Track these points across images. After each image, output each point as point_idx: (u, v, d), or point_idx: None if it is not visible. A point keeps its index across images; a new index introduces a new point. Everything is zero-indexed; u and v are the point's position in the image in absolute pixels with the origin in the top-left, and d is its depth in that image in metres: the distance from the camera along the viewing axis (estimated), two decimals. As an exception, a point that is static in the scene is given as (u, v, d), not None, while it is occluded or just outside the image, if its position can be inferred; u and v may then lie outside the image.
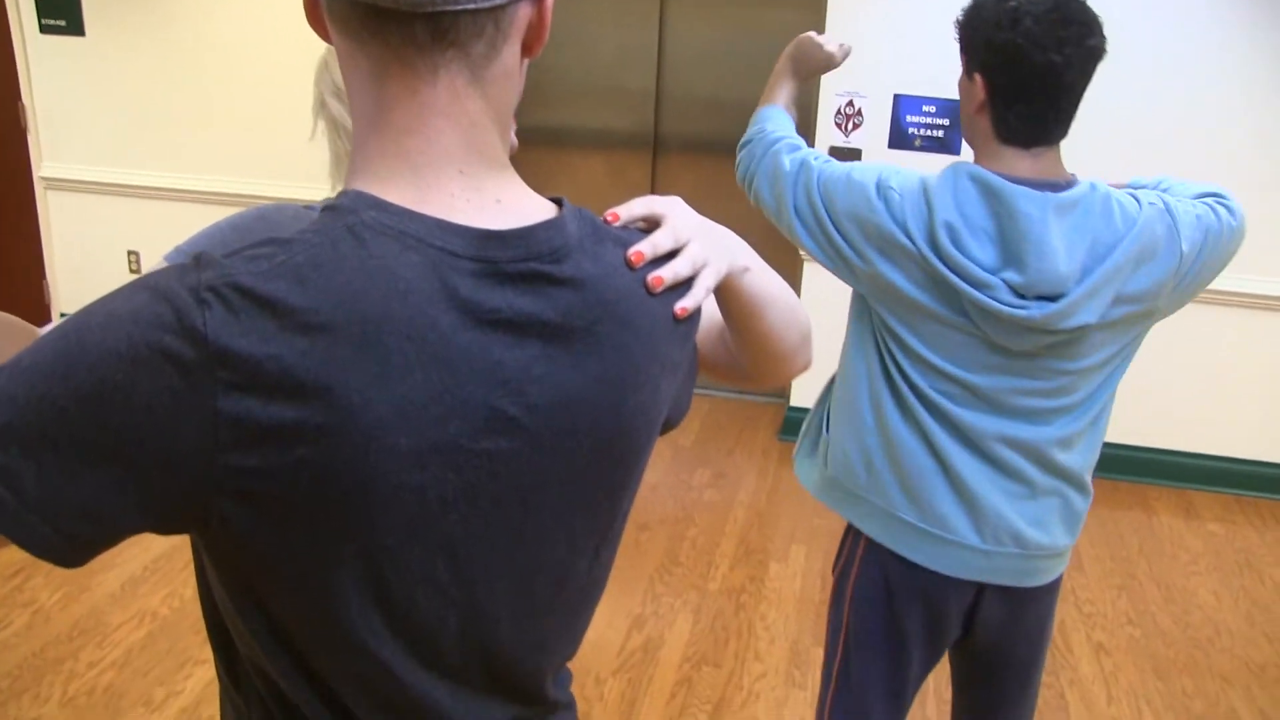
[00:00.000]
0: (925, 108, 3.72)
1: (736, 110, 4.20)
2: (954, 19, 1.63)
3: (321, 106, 1.19)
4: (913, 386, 1.67)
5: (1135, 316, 1.61)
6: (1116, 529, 3.83)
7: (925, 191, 1.59)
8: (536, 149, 4.51)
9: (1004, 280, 1.53)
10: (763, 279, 0.97)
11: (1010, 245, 1.53)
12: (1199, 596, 3.41)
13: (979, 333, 1.59)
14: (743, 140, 1.85)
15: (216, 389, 0.64)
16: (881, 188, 1.62)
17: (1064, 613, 3.28)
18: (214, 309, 0.64)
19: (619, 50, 4.32)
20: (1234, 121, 3.81)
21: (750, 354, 1.04)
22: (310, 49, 4.15)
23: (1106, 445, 4.06)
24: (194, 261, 0.67)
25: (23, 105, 4.70)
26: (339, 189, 1.20)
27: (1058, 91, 1.52)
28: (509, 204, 0.77)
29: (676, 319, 0.85)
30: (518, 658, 0.85)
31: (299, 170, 4.42)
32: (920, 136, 3.74)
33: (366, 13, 0.71)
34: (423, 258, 0.71)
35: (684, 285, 0.86)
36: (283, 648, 0.76)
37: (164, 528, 0.69)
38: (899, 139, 3.74)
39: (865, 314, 1.73)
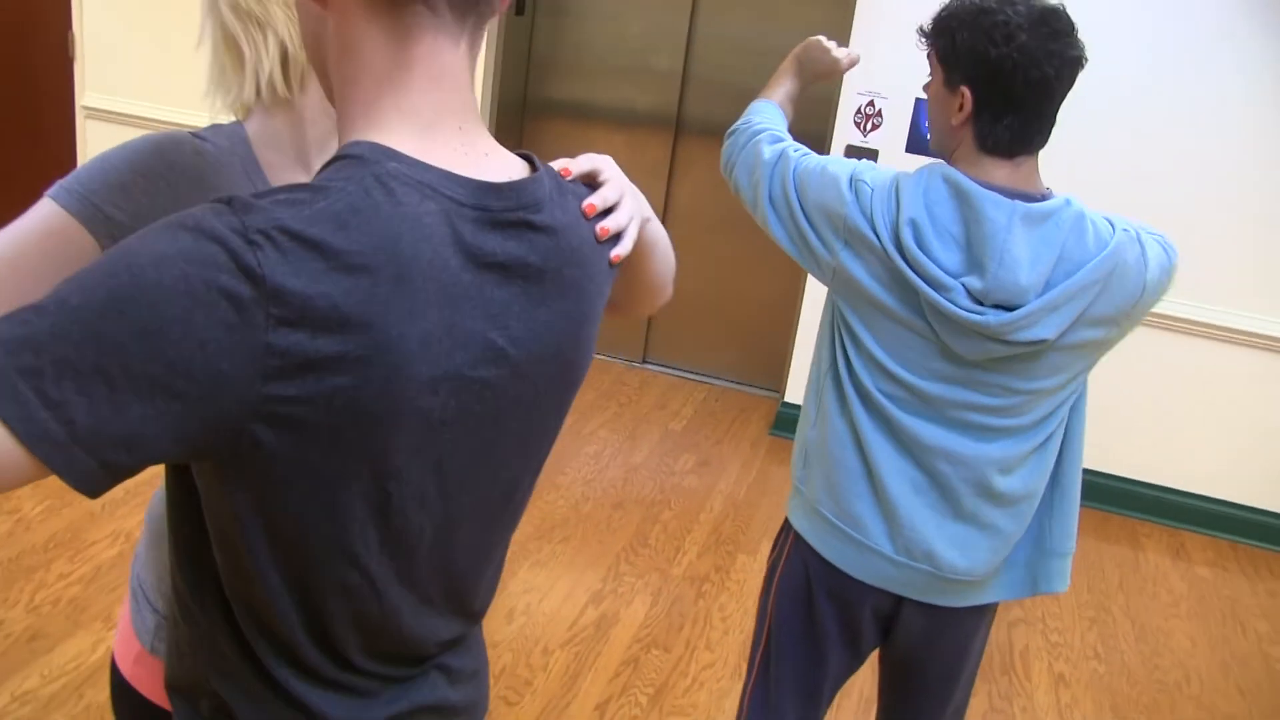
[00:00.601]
0: (947, 114, 3.65)
1: (762, 100, 4.17)
2: (920, 27, 1.60)
3: (211, 11, 1.14)
4: (858, 385, 1.65)
5: (1096, 343, 1.58)
6: (1099, 561, 3.76)
7: (896, 187, 1.57)
8: (559, 122, 4.50)
9: (964, 285, 1.50)
10: (656, 225, 1.10)
11: (974, 250, 1.51)
12: (1174, 639, 3.34)
13: (934, 337, 1.56)
14: (730, 129, 1.84)
15: (269, 324, 0.69)
16: (854, 180, 1.60)
17: (1028, 638, 3.23)
18: (265, 250, 0.69)
19: (649, 30, 4.30)
20: (1235, 156, 3.72)
21: (631, 289, 1.14)
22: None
23: (1100, 475, 4.01)
24: (226, 204, 0.71)
25: (72, 34, 4.75)
26: (219, 107, 1.16)
27: (1045, 103, 1.52)
28: (494, 157, 0.86)
29: (611, 264, 0.96)
30: (468, 568, 0.96)
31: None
32: (939, 142, 3.68)
33: None
34: (437, 205, 0.78)
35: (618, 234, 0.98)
36: (276, 562, 0.81)
37: (193, 454, 0.74)
38: (917, 143, 3.67)
39: (829, 308, 1.72)
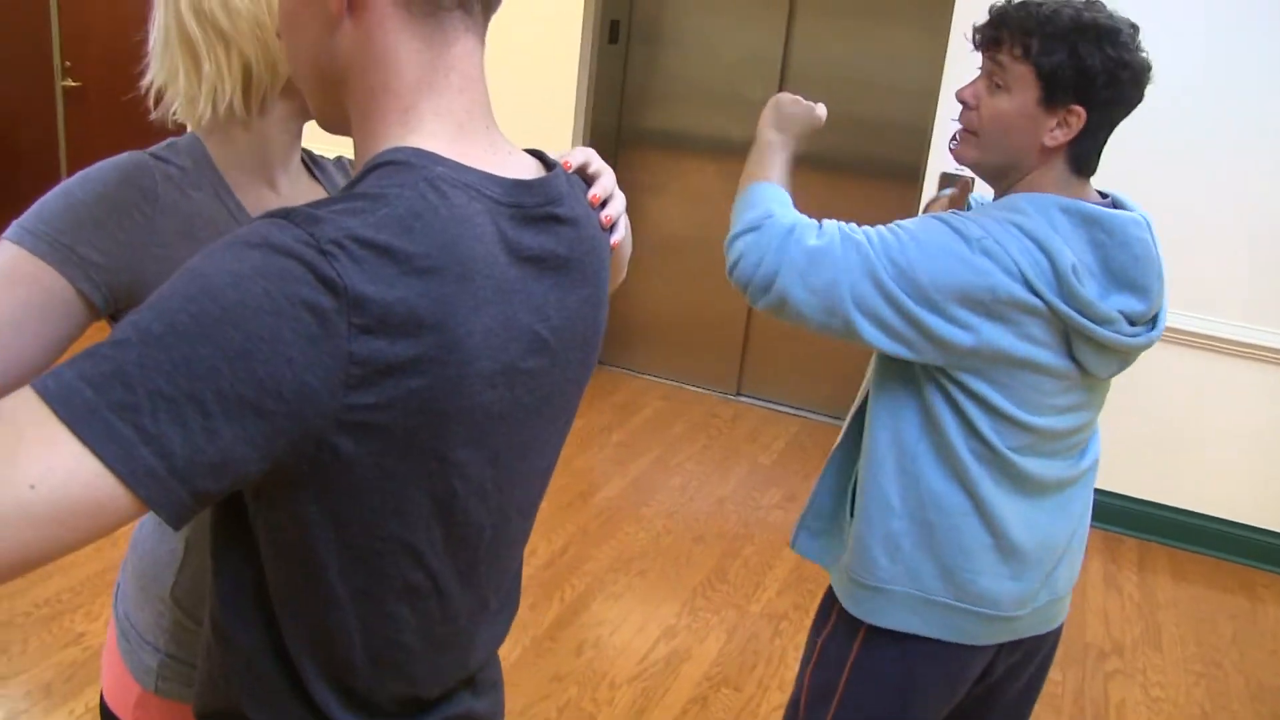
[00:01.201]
0: (1044, 140, 3.52)
1: (856, 128, 4.11)
2: (986, 32, 1.49)
3: (168, 5, 1.04)
4: (984, 451, 1.50)
5: None
6: (1209, 611, 3.53)
7: (1029, 236, 1.42)
8: (651, 150, 4.50)
9: (1119, 311, 1.48)
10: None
11: (1120, 274, 1.47)
12: (1297, 700, 3.11)
13: (1073, 373, 1.50)
14: (741, 227, 1.53)
15: (351, 333, 0.70)
16: (971, 242, 1.42)
17: (1126, 691, 3.04)
18: (340, 260, 0.69)
19: (743, 58, 4.27)
20: (1262, 170, 3.47)
21: None
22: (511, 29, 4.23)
23: (1213, 520, 3.76)
24: (284, 218, 0.71)
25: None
26: (169, 96, 1.08)
27: None
28: (515, 156, 0.89)
29: (611, 250, 1.00)
30: (512, 561, 0.98)
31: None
32: (1036, 170, 3.54)
33: None
34: (482, 205, 0.80)
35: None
36: (343, 571, 0.81)
37: (274, 470, 0.72)
38: (1013, 171, 3.53)
39: (904, 386, 1.55)
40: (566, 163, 0.96)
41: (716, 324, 4.66)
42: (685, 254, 4.55)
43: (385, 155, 0.79)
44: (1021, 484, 1.54)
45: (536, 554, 3.32)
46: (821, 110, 1.66)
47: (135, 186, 1.03)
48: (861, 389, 1.71)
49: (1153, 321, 1.53)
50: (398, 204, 0.74)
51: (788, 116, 1.64)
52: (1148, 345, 1.52)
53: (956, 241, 1.42)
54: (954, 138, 1.59)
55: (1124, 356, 1.52)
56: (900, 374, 1.55)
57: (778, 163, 1.62)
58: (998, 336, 1.43)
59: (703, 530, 3.62)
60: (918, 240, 1.44)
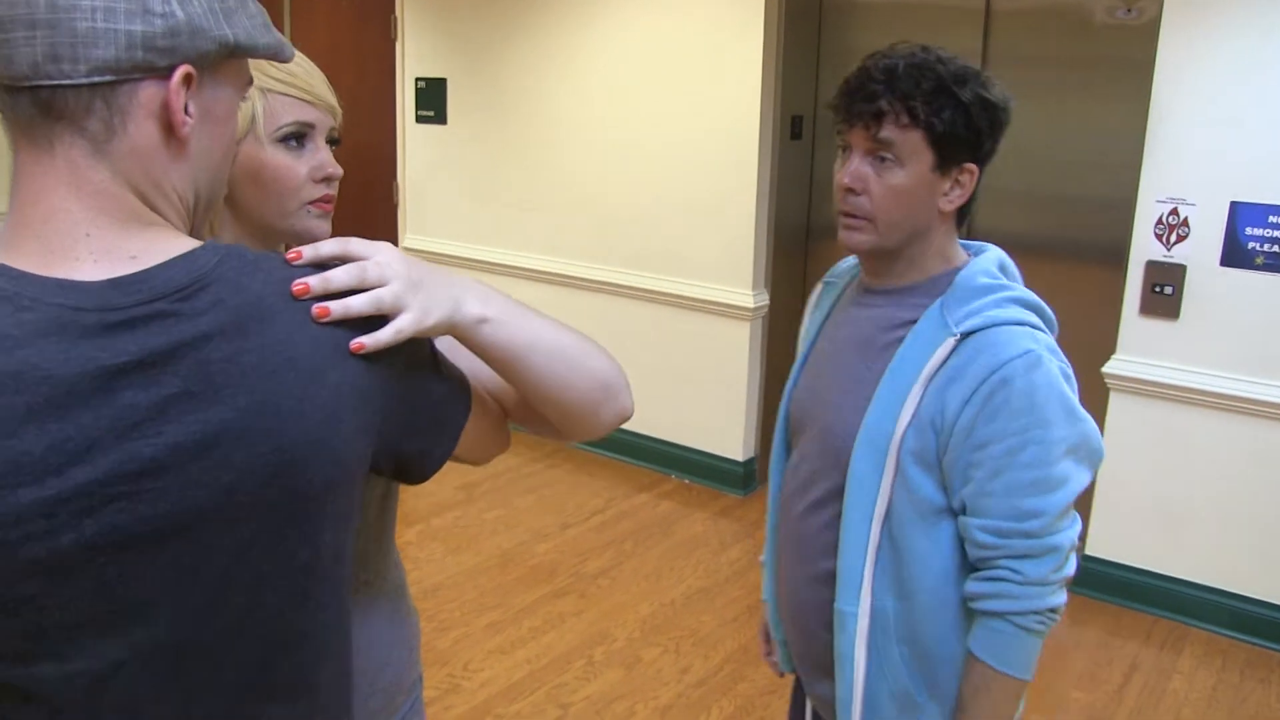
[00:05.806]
0: (1271, 218, 3.04)
1: (1058, 207, 3.73)
2: (879, 97, 1.36)
3: None
4: None
5: None
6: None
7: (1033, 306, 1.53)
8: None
9: None
10: (514, 331, 0.97)
11: None
12: None
13: None
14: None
15: None
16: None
17: None
18: None
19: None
20: None
21: (536, 405, 1.04)
22: (639, 139, 4.26)
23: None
24: None
25: (397, 184, 5.31)
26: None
27: None
28: (146, 256, 0.81)
29: (353, 352, 0.85)
30: (227, 701, 0.86)
31: (620, 254, 4.53)
32: (1263, 252, 3.06)
33: None
34: (39, 315, 0.76)
35: (377, 322, 0.87)
36: None
37: None
38: (1235, 255, 3.08)
39: None
40: (296, 253, 0.88)
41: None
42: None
43: None
44: None
45: (690, 671, 3.12)
46: None
47: None
48: None
49: None
50: None
51: None
52: None
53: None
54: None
55: None
56: None
57: None
58: None
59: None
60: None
